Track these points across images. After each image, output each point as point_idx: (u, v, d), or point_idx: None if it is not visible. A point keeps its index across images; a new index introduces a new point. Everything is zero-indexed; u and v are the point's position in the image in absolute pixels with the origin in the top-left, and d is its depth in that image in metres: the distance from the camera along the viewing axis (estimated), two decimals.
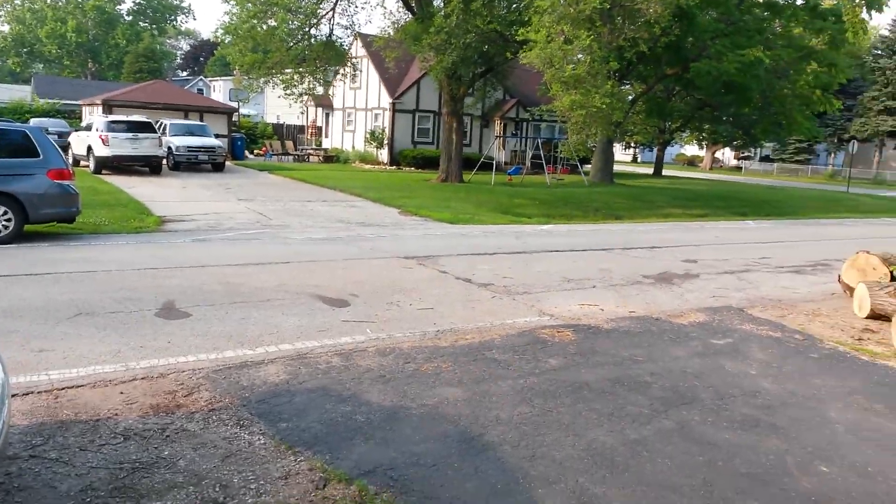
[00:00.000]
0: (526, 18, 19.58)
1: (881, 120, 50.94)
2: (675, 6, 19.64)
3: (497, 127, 36.25)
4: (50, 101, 39.48)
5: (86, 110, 31.79)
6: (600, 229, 16.49)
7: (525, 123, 36.49)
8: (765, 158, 62.73)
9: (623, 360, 6.15)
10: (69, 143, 24.92)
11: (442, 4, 22.41)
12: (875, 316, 7.94)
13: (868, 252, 8.91)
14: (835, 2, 29.24)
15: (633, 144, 60.11)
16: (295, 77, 23.67)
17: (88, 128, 23.10)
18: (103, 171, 21.87)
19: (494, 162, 29.20)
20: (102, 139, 21.53)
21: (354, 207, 17.46)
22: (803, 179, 51.87)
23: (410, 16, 23.82)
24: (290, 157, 35.42)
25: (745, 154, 64.24)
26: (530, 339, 6.61)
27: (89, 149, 22.12)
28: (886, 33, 53.94)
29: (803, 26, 27.15)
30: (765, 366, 6.23)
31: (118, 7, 70.07)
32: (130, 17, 71.75)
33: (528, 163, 33.50)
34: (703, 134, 47.00)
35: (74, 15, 64.79)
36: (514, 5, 22.40)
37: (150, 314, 6.77)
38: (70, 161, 23.72)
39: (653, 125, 38.20)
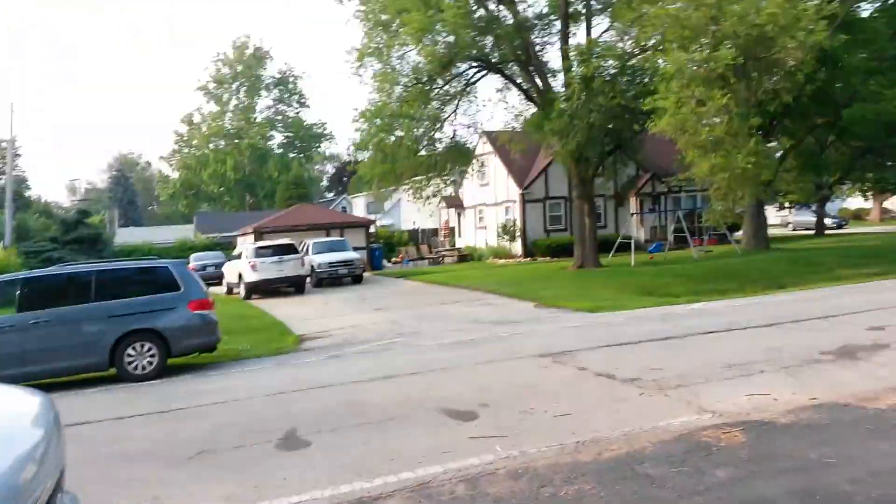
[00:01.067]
0: (652, 87, 18.85)
1: None
2: (817, 49, 18.04)
3: (633, 204, 34.99)
4: (209, 235, 43.28)
5: (239, 240, 34.31)
6: (761, 302, 14.80)
7: (663, 196, 34.96)
8: None
9: (810, 464, 4.96)
10: (223, 273, 26.72)
11: (563, 89, 22.22)
12: None
13: None
14: None
15: (786, 205, 55.86)
16: (423, 181, 24.23)
17: (239, 256, 24.68)
18: (252, 296, 23.03)
19: (633, 241, 27.87)
20: (252, 265, 22.84)
21: (489, 305, 16.96)
22: None
23: (533, 106, 23.88)
24: (426, 261, 36.02)
25: None
26: (690, 445, 5.56)
27: (240, 276, 23.53)
28: None
29: None
30: None
31: (269, 143, 77.29)
32: (281, 150, 78.81)
33: (669, 237, 31.80)
34: (868, 183, 42.92)
35: (232, 155, 72.16)
36: (638, 77, 21.72)
37: (269, 446, 6.45)
38: (224, 289, 25.71)
39: (808, 181, 35.30)
